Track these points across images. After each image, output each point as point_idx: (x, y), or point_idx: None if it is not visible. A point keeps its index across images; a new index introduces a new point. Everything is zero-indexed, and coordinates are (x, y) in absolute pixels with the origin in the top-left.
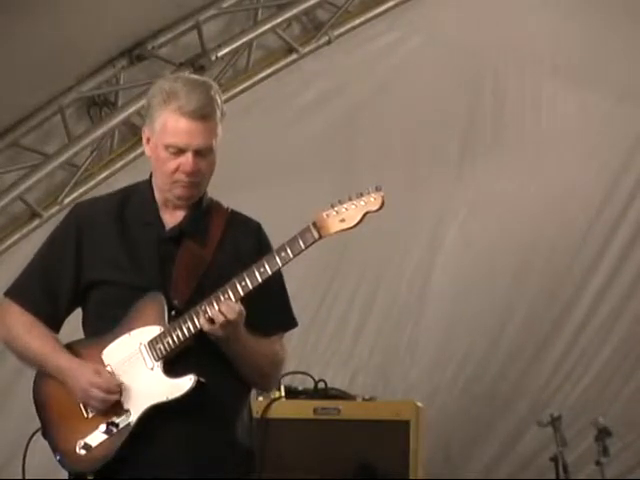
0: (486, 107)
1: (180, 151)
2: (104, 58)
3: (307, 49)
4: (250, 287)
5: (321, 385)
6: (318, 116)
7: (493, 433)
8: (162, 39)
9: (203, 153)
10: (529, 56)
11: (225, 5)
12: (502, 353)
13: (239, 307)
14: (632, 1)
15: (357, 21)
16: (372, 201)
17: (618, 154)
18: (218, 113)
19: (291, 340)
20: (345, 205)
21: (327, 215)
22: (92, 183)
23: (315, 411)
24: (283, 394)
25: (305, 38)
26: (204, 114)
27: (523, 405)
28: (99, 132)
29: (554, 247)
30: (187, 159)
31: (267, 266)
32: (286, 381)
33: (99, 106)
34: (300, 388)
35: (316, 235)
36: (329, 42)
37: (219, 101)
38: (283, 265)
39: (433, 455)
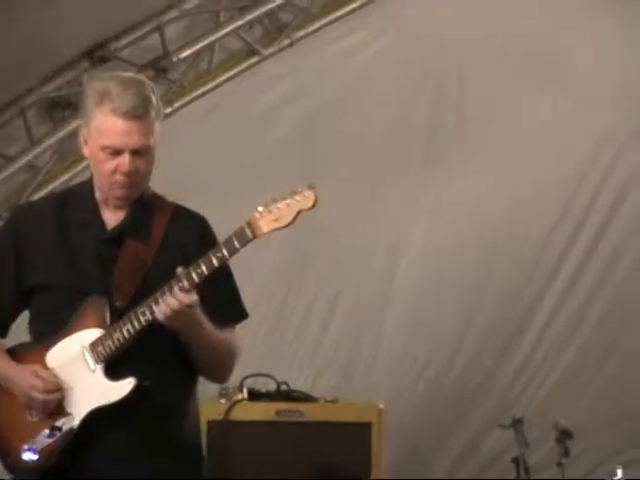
0: (451, 109)
1: (117, 152)
2: (66, 59)
3: (269, 51)
4: (188, 288)
5: (284, 387)
6: (281, 119)
7: (457, 434)
8: (124, 41)
9: (140, 152)
10: (494, 56)
11: (187, 7)
12: (465, 355)
13: (187, 298)
14: (600, 0)
15: (320, 23)
16: (305, 199)
17: (582, 156)
18: (153, 111)
19: (254, 342)
20: (278, 204)
21: (260, 214)
22: (54, 185)
23: (278, 413)
24: (246, 396)
25: (267, 40)
26: (139, 114)
27: (486, 407)
28: (61, 134)
29: (516, 250)
30: (124, 160)
31: (204, 267)
32: (249, 383)
33: (61, 108)
34: (263, 390)
35: (250, 235)
36: (291, 44)
37: (154, 99)
38: (219, 265)
39: (398, 456)
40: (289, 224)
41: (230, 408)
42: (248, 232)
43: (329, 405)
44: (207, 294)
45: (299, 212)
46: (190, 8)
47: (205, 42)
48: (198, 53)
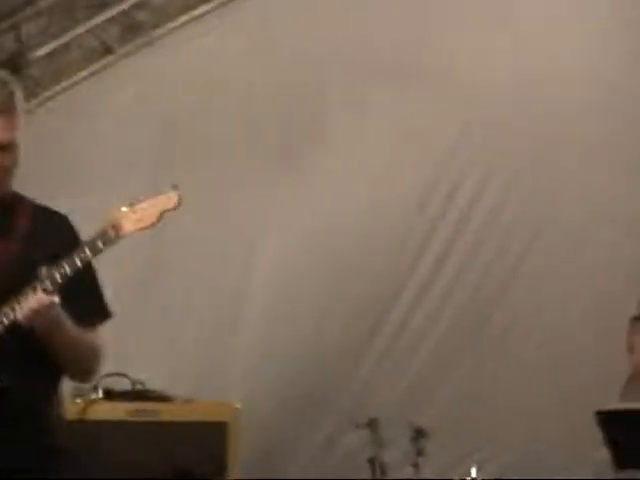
0: (306, 116)
1: None
2: None
3: (126, 50)
4: (50, 289)
5: (139, 387)
6: (137, 117)
7: (312, 434)
8: None
9: (6, 148)
10: (354, 62)
11: (44, 5)
12: (321, 354)
13: (47, 299)
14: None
15: (177, 22)
16: (168, 199)
17: (433, 160)
18: (17, 107)
19: (110, 341)
20: (142, 204)
21: (124, 215)
22: None
23: (133, 413)
24: (101, 396)
25: (124, 39)
26: (4, 108)
27: (342, 406)
28: None
29: (370, 252)
30: None
31: (67, 267)
32: (104, 383)
33: None
34: (118, 390)
35: (113, 235)
36: (148, 43)
37: (18, 95)
38: (82, 265)
39: (253, 455)
40: (153, 224)
41: (85, 408)
42: (111, 232)
43: (185, 405)
44: (70, 294)
45: (163, 212)
46: (46, 6)
47: (62, 40)
48: (55, 51)
